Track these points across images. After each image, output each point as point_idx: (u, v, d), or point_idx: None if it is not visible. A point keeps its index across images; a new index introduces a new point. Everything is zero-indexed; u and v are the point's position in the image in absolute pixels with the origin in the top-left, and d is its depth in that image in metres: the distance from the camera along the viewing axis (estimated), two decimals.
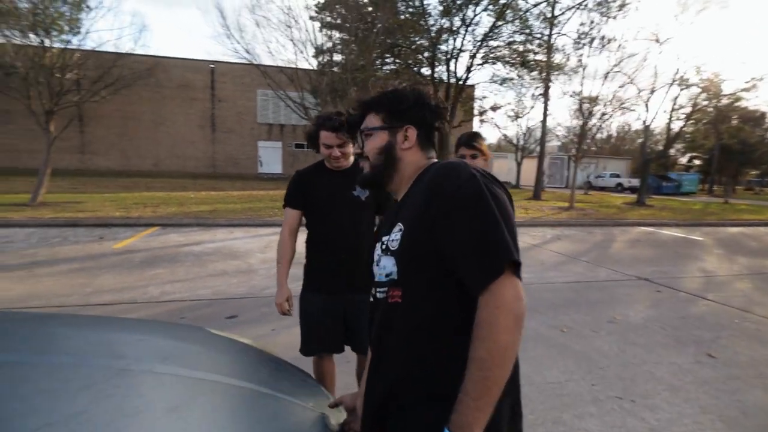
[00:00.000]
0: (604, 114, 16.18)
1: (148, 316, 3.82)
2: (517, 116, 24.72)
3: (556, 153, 33.52)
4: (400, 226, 0.95)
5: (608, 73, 15.50)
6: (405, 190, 1.04)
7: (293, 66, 14.34)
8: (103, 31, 21.34)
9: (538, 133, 22.36)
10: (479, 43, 16.42)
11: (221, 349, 1.48)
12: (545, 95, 18.98)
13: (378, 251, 1.03)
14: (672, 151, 31.10)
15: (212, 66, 24.57)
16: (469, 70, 16.59)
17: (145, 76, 16.85)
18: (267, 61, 15.15)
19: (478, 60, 16.86)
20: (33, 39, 9.76)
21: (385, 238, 1.00)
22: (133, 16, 35.90)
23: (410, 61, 17.57)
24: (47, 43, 10.01)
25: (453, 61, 16.55)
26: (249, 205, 12.02)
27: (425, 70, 17.60)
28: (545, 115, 19.32)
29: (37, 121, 10.27)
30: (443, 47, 16.73)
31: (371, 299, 1.05)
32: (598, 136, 31.78)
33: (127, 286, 4.71)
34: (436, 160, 1.05)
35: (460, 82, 16.84)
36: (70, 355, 1.18)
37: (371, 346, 1.05)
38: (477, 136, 2.30)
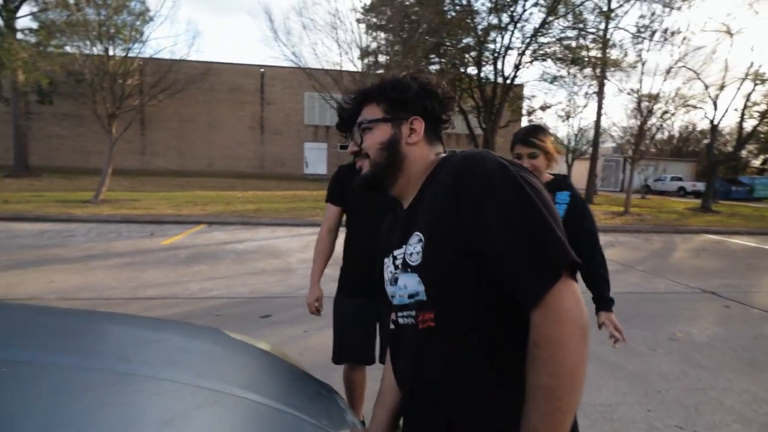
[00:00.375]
0: (665, 113, 15.05)
1: (186, 312, 3.91)
2: (568, 116, 23.62)
3: (610, 154, 31.73)
4: (418, 236, 0.80)
5: (671, 68, 14.39)
6: (413, 193, 0.89)
7: (338, 68, 14.50)
8: (160, 39, 22.87)
9: (591, 134, 21.23)
10: (528, 40, 15.80)
11: (234, 355, 1.40)
12: (599, 93, 17.97)
13: (391, 267, 0.89)
14: (743, 153, 28.53)
15: (262, 70, 25.44)
16: (517, 68, 15.99)
17: (199, 80, 17.71)
18: (313, 63, 15.47)
19: (526, 58, 16.24)
20: (99, 48, 10.52)
21: (398, 252, 0.86)
22: (188, 24, 38.02)
23: (456, 61, 17.23)
24: (111, 51, 10.75)
25: (500, 59, 16.06)
26: (292, 204, 12.25)
27: (471, 70, 17.19)
28: (599, 114, 18.30)
29: (101, 124, 11.04)
30: (491, 45, 16.27)
31: (391, 326, 0.90)
32: (659, 136, 29.74)
33: (170, 281, 4.87)
34: (445, 155, 0.91)
35: (508, 81, 16.30)
36: (76, 355, 1.14)
37: (400, 385, 0.91)
38: (538, 130, 1.87)
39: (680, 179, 29.02)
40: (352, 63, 15.16)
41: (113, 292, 4.40)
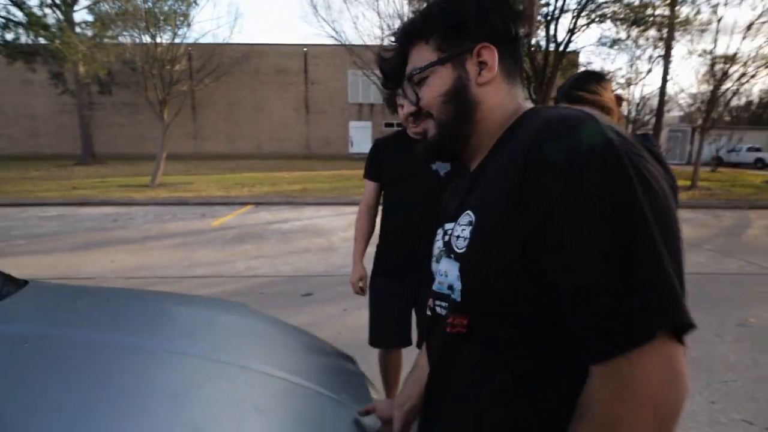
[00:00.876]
0: (743, 75, 13.50)
1: (231, 290, 4.04)
2: (629, 83, 21.86)
3: (676, 124, 29.26)
4: (469, 216, 0.61)
5: (752, 24, 12.80)
6: (485, 152, 0.67)
7: (379, 43, 14.24)
8: (203, 22, 23.57)
9: (654, 102, 19.59)
10: (584, 1, 14.61)
11: (256, 330, 1.40)
12: (666, 56, 16.41)
13: (440, 242, 0.71)
14: None
15: (305, 50, 25.55)
16: (571, 32, 14.88)
17: (243, 62, 18.10)
18: (354, 38, 15.29)
19: (582, 20, 15.04)
20: (147, 36, 11.00)
21: (449, 227, 0.68)
22: (229, 5, 38.69)
23: None
24: (158, 38, 11.21)
25: (553, 23, 15.00)
26: (337, 184, 12.37)
27: None
28: (665, 80, 16.77)
29: (153, 111, 11.60)
30: (543, 9, 15.21)
31: (428, 312, 0.73)
32: (734, 102, 26.90)
33: (218, 260, 5.06)
34: (531, 105, 0.67)
35: (561, 48, 15.24)
36: (102, 331, 1.18)
37: (428, 381, 0.76)
38: (589, 78, 1.40)
39: (758, 149, 26.29)
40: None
41: (166, 271, 4.64)
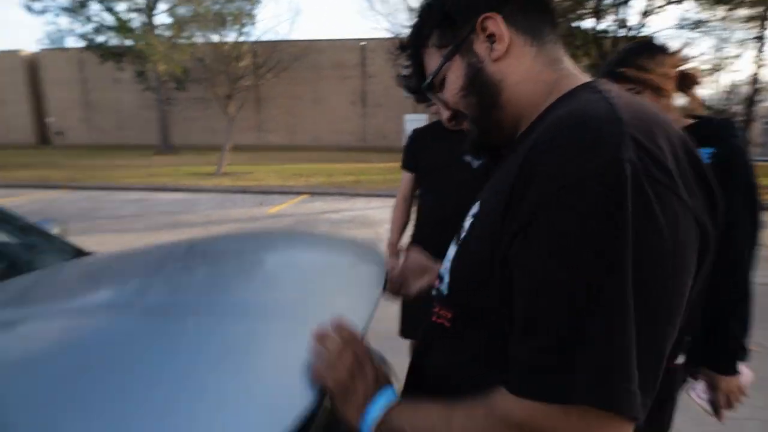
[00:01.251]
0: None
1: None
2: (715, 70, 19.72)
3: None
4: (476, 207, 0.58)
5: None
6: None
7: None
8: (265, 20, 24.55)
9: (746, 91, 17.53)
10: None
11: (295, 238, 1.73)
12: (760, 38, 14.62)
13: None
14: None
15: (362, 44, 25.78)
16: (645, 15, 13.70)
17: (302, 57, 18.71)
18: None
19: (658, 1, 13.78)
20: (216, 35, 11.70)
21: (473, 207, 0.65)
22: (290, 2, 40.52)
23: (570, 15, 15.36)
24: (225, 38, 11.88)
25: (624, 5, 13.87)
26: (389, 176, 12.43)
27: (587, 23, 15.19)
28: (759, 65, 14.95)
29: (219, 105, 12.33)
30: None
31: (433, 292, 0.70)
32: None
33: None
34: (580, 79, 0.57)
35: (633, 32, 14.07)
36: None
37: (409, 365, 0.72)
38: (641, 50, 1.11)
39: None
40: None
41: None
